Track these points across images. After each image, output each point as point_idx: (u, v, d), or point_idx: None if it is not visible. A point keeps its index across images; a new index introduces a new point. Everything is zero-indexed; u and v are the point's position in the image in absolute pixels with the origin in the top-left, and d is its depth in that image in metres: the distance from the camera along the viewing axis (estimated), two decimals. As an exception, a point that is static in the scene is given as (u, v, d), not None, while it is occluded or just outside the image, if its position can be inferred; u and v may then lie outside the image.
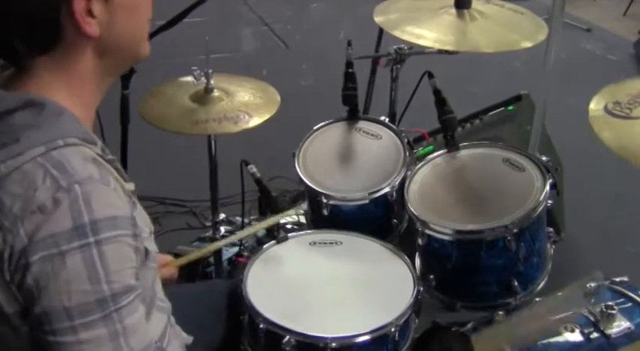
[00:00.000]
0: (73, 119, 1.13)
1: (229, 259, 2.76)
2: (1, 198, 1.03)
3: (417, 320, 1.83)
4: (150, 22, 1.25)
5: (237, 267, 2.75)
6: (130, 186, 1.19)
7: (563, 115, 3.40)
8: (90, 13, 1.11)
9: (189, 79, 2.23)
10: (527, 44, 1.93)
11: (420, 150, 2.65)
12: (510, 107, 3.12)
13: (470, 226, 1.86)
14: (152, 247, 1.25)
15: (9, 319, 1.08)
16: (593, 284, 1.94)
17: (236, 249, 2.84)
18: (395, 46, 2.37)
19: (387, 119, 2.28)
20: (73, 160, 1.06)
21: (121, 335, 1.07)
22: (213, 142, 2.26)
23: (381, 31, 3.14)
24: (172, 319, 1.53)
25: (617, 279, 1.99)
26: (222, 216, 2.49)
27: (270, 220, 1.98)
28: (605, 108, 1.47)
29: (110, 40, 1.17)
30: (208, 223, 2.61)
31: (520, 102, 3.13)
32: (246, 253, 2.78)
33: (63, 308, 1.02)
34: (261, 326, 1.70)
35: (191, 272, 2.57)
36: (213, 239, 2.50)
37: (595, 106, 1.48)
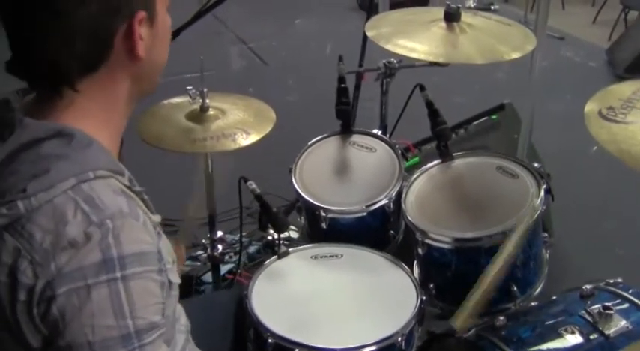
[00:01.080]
0: (102, 150, 1.12)
1: (222, 276, 2.78)
2: (32, 231, 1.02)
3: (420, 329, 1.86)
4: None
5: (231, 283, 2.77)
6: (157, 218, 1.19)
7: (547, 122, 3.46)
8: (140, 35, 1.13)
9: (181, 99, 2.25)
10: (517, 55, 1.97)
11: (405, 162, 2.70)
12: (494, 116, 3.18)
13: (469, 234, 1.90)
14: (175, 277, 1.24)
15: None
16: (589, 286, 1.99)
17: (229, 266, 2.86)
18: (384, 60, 2.41)
19: (379, 132, 2.32)
20: (103, 194, 1.05)
21: None
22: (209, 161, 2.28)
23: (364, 46, 3.19)
24: (189, 336, 1.55)
25: (612, 280, 2.04)
26: (219, 233, 2.50)
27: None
28: (600, 113, 1.51)
29: (147, 65, 1.18)
30: (205, 241, 2.62)
31: (503, 111, 3.19)
32: (239, 270, 2.80)
33: (87, 342, 1.01)
34: (269, 341, 1.72)
35: (185, 290, 2.58)
36: (211, 257, 2.51)
37: (589, 111, 1.52)
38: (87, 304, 1.01)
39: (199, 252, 3.02)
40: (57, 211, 1.03)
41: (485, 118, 3.17)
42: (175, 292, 1.26)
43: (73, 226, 1.02)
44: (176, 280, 1.24)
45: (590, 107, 1.54)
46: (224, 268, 2.79)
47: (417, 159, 2.91)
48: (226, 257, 2.74)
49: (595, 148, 3.83)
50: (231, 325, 1.92)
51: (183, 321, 1.44)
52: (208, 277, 2.75)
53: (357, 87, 3.15)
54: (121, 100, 1.19)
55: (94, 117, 1.15)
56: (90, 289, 1.01)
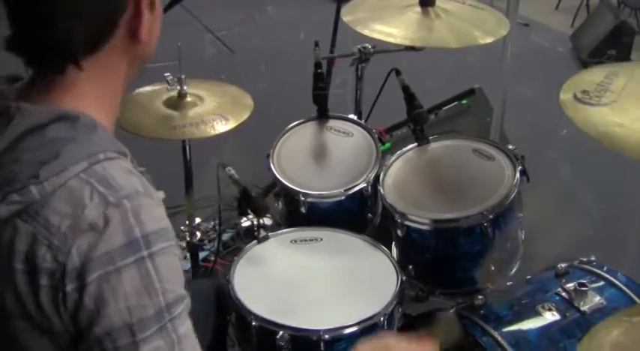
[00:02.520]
0: (107, 132, 1.12)
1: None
2: (47, 216, 1.01)
3: (400, 309, 1.89)
4: None
5: (208, 272, 2.78)
6: (161, 194, 1.17)
7: (517, 107, 3.51)
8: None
9: (157, 86, 2.25)
10: (490, 39, 2.01)
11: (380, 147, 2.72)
12: (464, 101, 3.20)
13: (447, 215, 1.92)
14: (180, 254, 1.23)
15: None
16: (563, 265, 2.04)
17: (203, 253, 2.87)
18: (359, 46, 2.43)
19: (356, 117, 2.34)
20: (116, 174, 1.05)
21: (176, 344, 1.07)
22: (187, 147, 2.28)
23: (334, 32, 3.21)
24: None
25: (586, 259, 2.09)
26: (197, 220, 2.51)
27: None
28: (575, 97, 1.54)
29: (144, 48, 1.18)
30: (184, 229, 2.62)
31: (473, 96, 3.22)
32: (211, 258, 2.81)
33: (125, 325, 1.02)
34: (253, 324, 1.74)
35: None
36: (190, 244, 2.51)
37: (564, 96, 1.55)
38: (120, 288, 1.01)
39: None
40: (73, 194, 1.02)
41: (455, 103, 3.20)
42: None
43: (90, 208, 1.01)
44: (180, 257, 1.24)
45: (565, 91, 1.57)
46: (200, 256, 2.80)
47: (388, 144, 2.93)
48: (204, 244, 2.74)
49: (565, 131, 3.90)
50: (211, 313, 1.93)
51: None
52: (185, 265, 2.75)
53: (329, 73, 3.16)
54: (119, 83, 1.19)
55: (94, 100, 1.14)
56: (120, 272, 1.01)
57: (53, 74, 1.11)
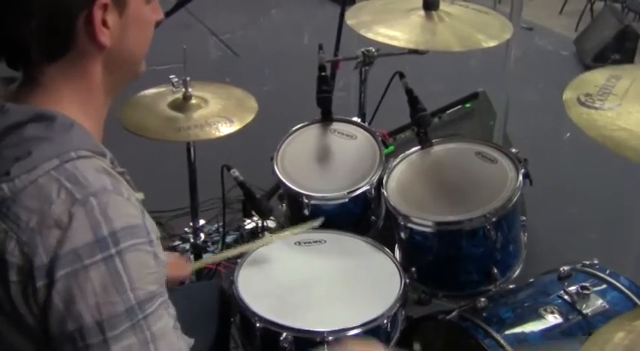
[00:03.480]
0: (83, 131, 1.13)
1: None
2: (18, 212, 1.03)
3: (403, 312, 1.90)
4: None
5: (212, 274, 2.78)
6: (140, 196, 1.19)
7: (521, 110, 3.52)
8: (104, 23, 1.12)
9: (162, 88, 2.26)
10: (494, 42, 2.01)
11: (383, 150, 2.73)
12: (468, 105, 3.21)
13: (450, 218, 1.93)
14: (161, 254, 1.23)
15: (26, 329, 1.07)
16: (566, 268, 2.04)
17: (207, 255, 2.87)
18: (363, 49, 2.44)
19: (359, 120, 2.35)
20: (86, 172, 1.06)
21: (150, 342, 1.07)
22: (192, 149, 2.29)
23: (339, 36, 3.22)
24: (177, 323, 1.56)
25: (588, 262, 2.10)
26: (201, 222, 2.52)
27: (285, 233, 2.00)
28: (579, 100, 1.55)
29: (119, 53, 1.18)
30: (187, 230, 2.63)
31: (477, 99, 3.23)
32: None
33: (95, 323, 1.02)
34: (257, 325, 1.74)
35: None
36: (194, 246, 2.52)
37: (569, 99, 1.55)
38: (88, 285, 1.02)
39: (177, 242, 3.04)
40: (41, 191, 1.03)
41: (459, 107, 3.21)
42: (164, 270, 1.26)
43: (57, 205, 1.02)
44: (162, 254, 1.23)
45: (569, 95, 1.57)
46: (205, 256, 2.80)
47: (392, 147, 2.95)
48: (208, 246, 2.75)
49: (568, 134, 3.91)
50: (213, 314, 1.93)
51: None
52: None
53: (332, 76, 3.18)
54: (97, 88, 1.19)
55: (71, 102, 1.15)
56: (88, 270, 1.01)
57: (25, 77, 1.14)
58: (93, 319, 1.02)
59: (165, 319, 1.12)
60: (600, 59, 5.32)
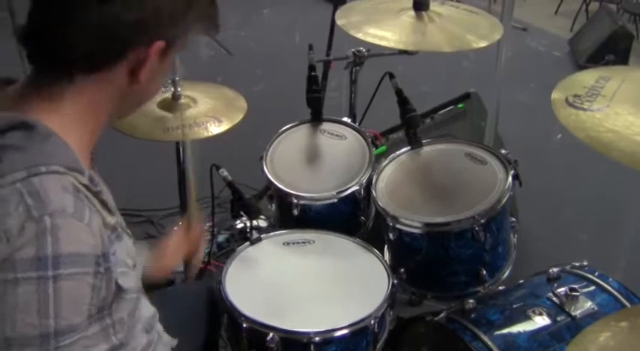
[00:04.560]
0: (62, 144, 1.12)
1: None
2: None
3: (391, 312, 1.89)
4: None
5: (202, 273, 2.78)
6: (112, 219, 1.18)
7: (513, 111, 3.52)
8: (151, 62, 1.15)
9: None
10: (484, 43, 2.01)
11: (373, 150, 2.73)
12: (460, 105, 3.21)
13: (438, 219, 1.92)
14: (128, 282, 1.23)
15: None
16: (555, 269, 2.04)
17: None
18: (353, 49, 2.44)
19: (349, 120, 2.34)
20: (51, 190, 1.05)
21: None
22: (181, 149, 2.28)
23: (331, 36, 3.21)
24: (160, 327, 1.55)
25: (578, 263, 2.09)
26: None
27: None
28: (567, 101, 1.54)
29: (139, 91, 1.21)
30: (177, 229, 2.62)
31: (469, 100, 3.23)
32: (210, 259, 2.81)
33: (3, 337, 1.01)
34: (244, 326, 1.74)
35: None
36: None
37: (557, 100, 1.55)
38: (12, 298, 1.01)
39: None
40: (1, 200, 1.02)
41: (451, 107, 3.21)
42: (132, 296, 1.26)
43: (12, 217, 1.01)
44: (129, 285, 1.22)
45: (557, 96, 1.56)
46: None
47: (384, 148, 2.94)
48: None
49: (560, 135, 3.91)
50: (203, 314, 1.93)
51: (146, 320, 1.44)
52: (179, 266, 2.74)
53: (325, 76, 3.18)
54: (106, 111, 1.20)
55: (72, 115, 1.15)
56: (18, 283, 1.00)
57: (45, 79, 1.14)
58: (3, 332, 1.01)
59: None
60: (594, 60, 5.32)
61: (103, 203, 1.17)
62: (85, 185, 1.12)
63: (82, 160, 1.16)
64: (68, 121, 1.14)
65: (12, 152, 1.05)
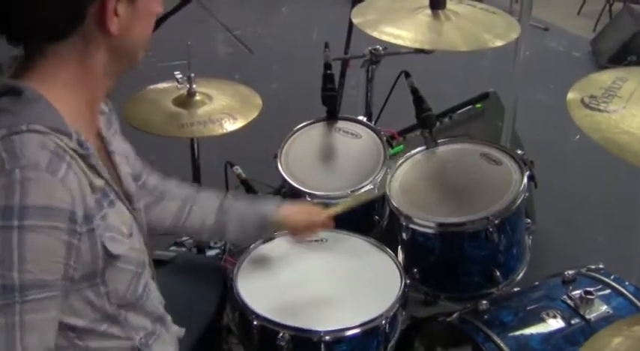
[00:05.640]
0: (49, 107, 1.14)
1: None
2: None
3: (403, 312, 1.88)
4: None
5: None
6: (100, 182, 1.19)
7: (531, 111, 3.49)
8: (115, 11, 1.16)
9: (168, 84, 2.26)
10: (501, 42, 1.99)
11: (390, 150, 2.72)
12: (478, 105, 3.19)
13: (452, 219, 1.91)
14: (122, 250, 1.23)
15: None
16: (571, 272, 2.02)
17: (214, 251, 2.87)
18: (370, 48, 2.43)
19: (365, 119, 2.33)
20: (26, 147, 1.07)
21: (17, 329, 1.05)
22: (196, 146, 2.29)
23: (349, 34, 3.21)
24: (169, 317, 1.56)
25: (594, 266, 2.07)
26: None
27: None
28: (583, 102, 1.53)
29: (124, 42, 1.21)
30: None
31: (487, 99, 3.20)
32: (224, 255, 2.81)
33: None
34: (255, 323, 1.73)
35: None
36: (197, 242, 2.52)
37: (572, 100, 1.53)
38: None
39: (184, 238, 3.03)
40: None
41: (469, 107, 3.18)
42: (126, 267, 1.26)
43: None
44: (120, 251, 1.22)
45: (573, 96, 1.55)
46: (209, 254, 2.80)
47: (401, 147, 2.92)
48: (212, 243, 2.74)
49: (578, 136, 3.87)
50: (211, 290, 1.91)
51: (153, 304, 1.45)
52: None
53: (342, 74, 3.17)
54: (96, 71, 1.22)
55: (62, 81, 1.18)
56: None
57: (25, 52, 1.18)
58: None
59: (47, 314, 1.09)
60: (616, 60, 5.26)
61: (91, 167, 1.18)
62: (72, 148, 1.13)
63: (83, 129, 1.18)
64: (57, 90, 1.17)
65: (1, 115, 1.10)
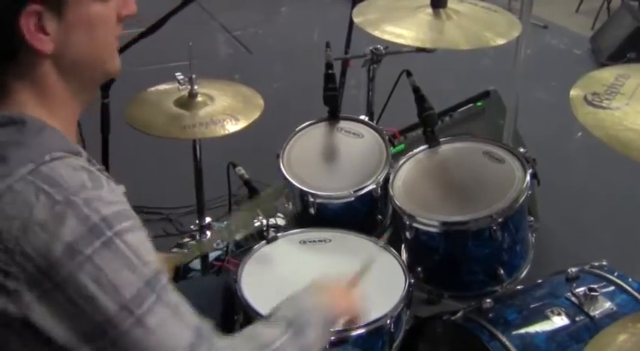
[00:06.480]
0: (56, 133, 1.12)
1: (210, 263, 2.79)
2: None
3: (408, 312, 1.88)
4: (117, 38, 1.22)
5: (219, 270, 2.78)
6: (121, 188, 1.17)
7: (532, 109, 3.49)
8: (43, 29, 1.09)
9: (169, 86, 2.26)
10: (502, 41, 1.99)
11: (391, 149, 2.72)
12: (479, 103, 3.19)
13: (456, 218, 1.91)
14: None
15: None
16: (574, 269, 2.02)
17: (216, 253, 2.87)
18: (371, 47, 2.43)
19: (367, 118, 2.33)
20: (63, 173, 1.04)
21: (179, 308, 1.09)
22: (198, 147, 2.29)
23: (349, 33, 3.21)
24: None
25: (597, 263, 2.07)
26: (207, 219, 2.51)
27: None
28: (586, 99, 1.52)
29: (70, 58, 1.14)
30: (193, 228, 2.63)
31: (488, 98, 3.20)
32: (227, 257, 2.81)
33: (120, 307, 1.01)
34: (259, 324, 1.73)
35: (172, 278, 2.59)
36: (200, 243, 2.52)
37: (575, 98, 1.53)
38: (99, 273, 1.00)
39: (186, 239, 3.04)
40: (18, 197, 1.01)
41: (470, 105, 3.18)
42: None
43: (39, 208, 1.00)
44: None
45: (575, 93, 1.55)
46: (212, 256, 2.80)
47: (402, 146, 2.92)
48: (214, 244, 2.74)
49: (580, 133, 3.87)
50: (218, 310, 1.92)
51: None
52: (196, 264, 2.76)
53: (343, 74, 3.18)
54: (57, 91, 1.16)
55: (34, 105, 1.13)
56: (92, 259, 1.00)
57: None
58: (117, 304, 1.01)
59: (174, 291, 1.11)
60: (616, 58, 5.26)
61: (109, 178, 1.16)
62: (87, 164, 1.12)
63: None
64: (42, 112, 1.13)
65: (13, 148, 1.05)
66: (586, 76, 1.64)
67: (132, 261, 1.03)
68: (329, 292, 1.49)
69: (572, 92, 1.56)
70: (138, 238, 1.06)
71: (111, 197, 1.07)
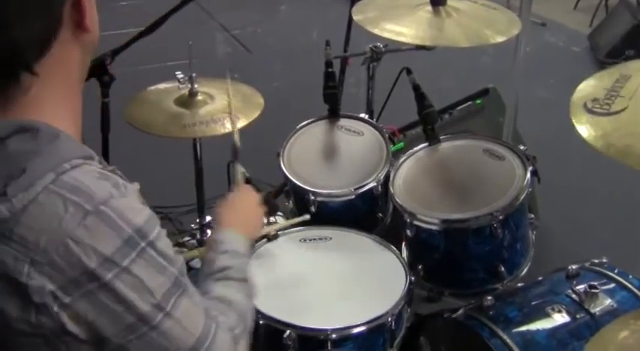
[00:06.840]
0: (70, 139, 1.09)
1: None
2: (23, 234, 0.98)
3: (408, 309, 1.88)
4: None
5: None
6: (136, 186, 1.15)
7: (532, 107, 3.49)
8: (82, 5, 1.09)
9: (169, 85, 2.26)
10: (502, 38, 2.00)
11: (391, 146, 2.72)
12: (478, 101, 3.19)
13: (456, 216, 1.91)
14: None
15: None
16: (574, 266, 2.02)
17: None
18: (371, 45, 2.43)
19: (367, 116, 2.33)
20: (87, 181, 1.02)
21: (198, 297, 1.13)
22: (198, 146, 2.29)
23: (348, 31, 3.21)
24: None
25: (597, 260, 2.07)
26: (208, 218, 2.51)
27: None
28: (585, 106, 1.51)
29: (92, 35, 1.14)
30: (194, 227, 2.63)
31: (488, 96, 3.20)
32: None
33: (152, 307, 1.04)
34: (260, 322, 1.73)
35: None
36: (200, 242, 2.52)
37: (575, 106, 1.51)
38: (135, 282, 1.02)
39: (186, 238, 3.04)
40: (45, 208, 0.99)
41: (469, 103, 3.18)
42: None
43: (68, 219, 0.98)
44: None
45: (576, 101, 1.54)
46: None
47: (402, 144, 2.92)
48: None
49: (579, 131, 3.86)
50: None
51: None
52: (196, 263, 2.75)
53: (342, 72, 3.17)
54: (76, 79, 1.16)
55: (54, 104, 1.11)
56: (130, 269, 1.01)
57: (7, 83, 1.06)
58: (150, 305, 1.03)
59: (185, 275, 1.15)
60: (614, 55, 5.25)
61: (121, 177, 1.15)
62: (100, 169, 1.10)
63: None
64: (56, 112, 1.10)
65: (31, 158, 1.01)
66: (585, 82, 1.61)
67: (162, 264, 1.06)
68: (242, 219, 1.58)
69: (572, 100, 1.55)
70: (164, 242, 1.08)
71: (136, 204, 1.07)
